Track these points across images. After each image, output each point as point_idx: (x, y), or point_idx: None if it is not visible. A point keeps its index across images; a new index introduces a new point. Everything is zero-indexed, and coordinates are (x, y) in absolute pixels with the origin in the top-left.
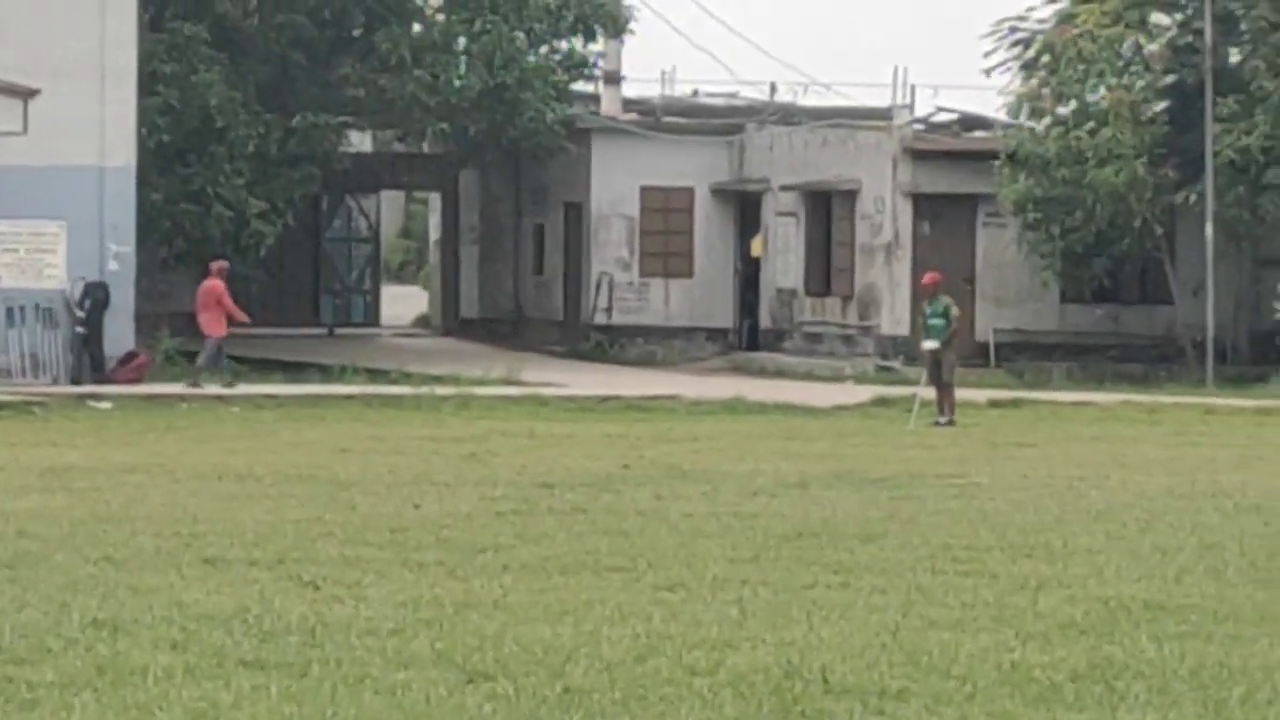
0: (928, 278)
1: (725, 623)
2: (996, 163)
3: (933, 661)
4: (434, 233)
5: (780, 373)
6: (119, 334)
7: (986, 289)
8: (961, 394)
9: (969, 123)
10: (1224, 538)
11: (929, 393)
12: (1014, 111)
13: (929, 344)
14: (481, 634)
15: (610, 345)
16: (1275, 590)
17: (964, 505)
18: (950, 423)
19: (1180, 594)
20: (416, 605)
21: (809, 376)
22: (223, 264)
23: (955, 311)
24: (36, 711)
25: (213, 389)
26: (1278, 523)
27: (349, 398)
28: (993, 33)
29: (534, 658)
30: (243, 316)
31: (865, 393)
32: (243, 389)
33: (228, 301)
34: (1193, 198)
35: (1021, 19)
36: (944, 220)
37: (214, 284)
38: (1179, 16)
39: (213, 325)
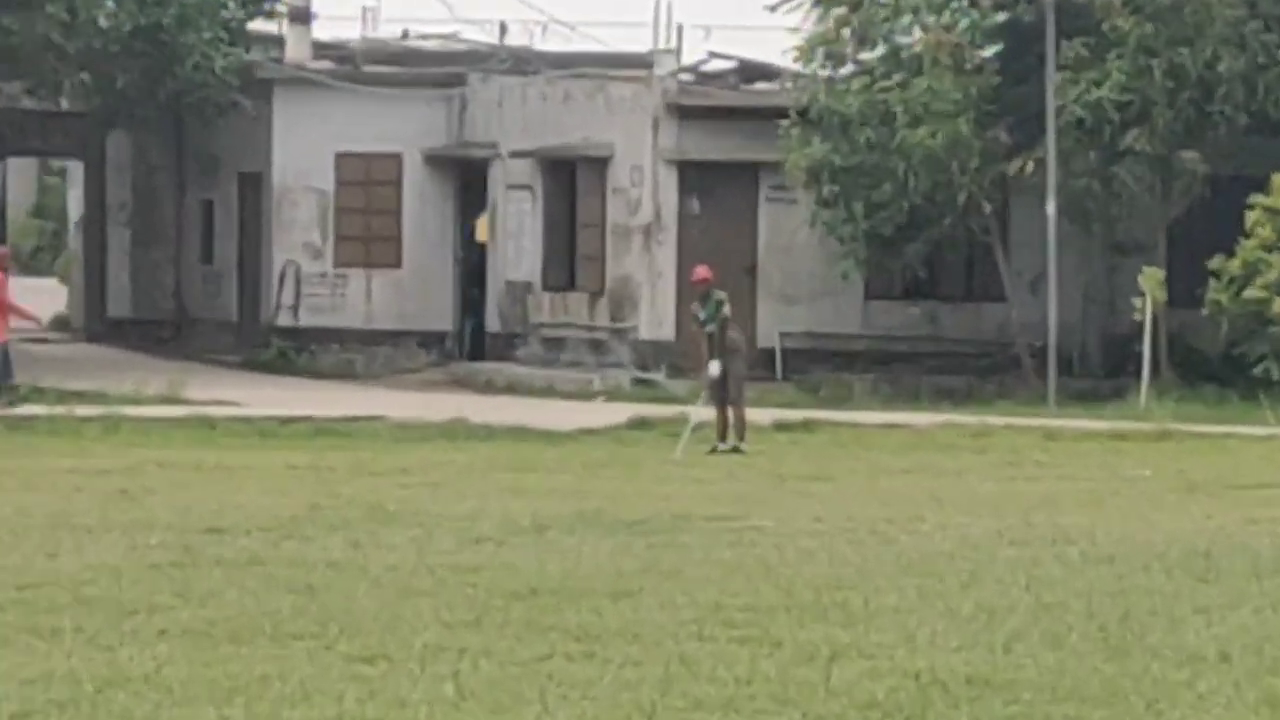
0: (698, 273)
1: (438, 703)
2: (784, 123)
3: None
4: (74, 211)
5: (512, 388)
6: None
7: (771, 282)
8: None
9: (749, 72)
10: (1067, 595)
11: (708, 413)
12: (805, 59)
13: (715, 368)
14: (129, 718)
15: (297, 353)
16: (1128, 662)
17: (741, 555)
18: (736, 449)
19: (1010, 666)
20: (48, 682)
21: (548, 392)
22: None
23: (726, 310)
24: None
25: None
26: (1133, 577)
27: None
28: None
29: None
30: (32, 314)
31: (619, 413)
32: None
33: (9, 296)
34: (1030, 166)
35: None
36: (718, 195)
37: None
38: None
39: None
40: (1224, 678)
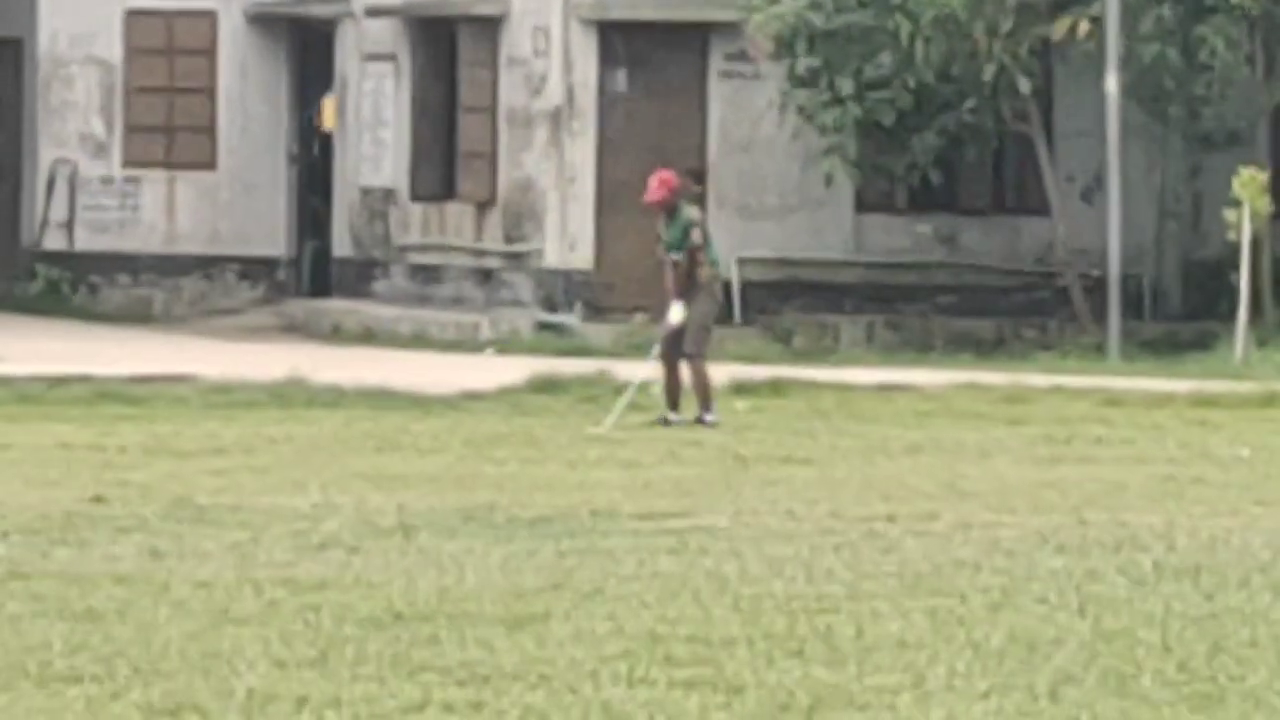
0: (655, 188)
1: None
2: None
3: None
4: None
5: (369, 335)
6: None
7: (726, 189)
8: None
9: None
10: (1136, 621)
11: (655, 371)
12: None
13: (677, 313)
14: None
15: (73, 288)
16: (1218, 712)
17: (686, 565)
18: (700, 421)
19: (1059, 718)
20: None
21: (418, 342)
22: None
23: (696, 237)
24: None
25: None
26: (1227, 596)
27: None
28: None
29: None
30: None
31: (517, 369)
32: None
33: None
34: (1084, 27)
35: None
36: (654, 68)
37: None
38: None
39: None
40: None
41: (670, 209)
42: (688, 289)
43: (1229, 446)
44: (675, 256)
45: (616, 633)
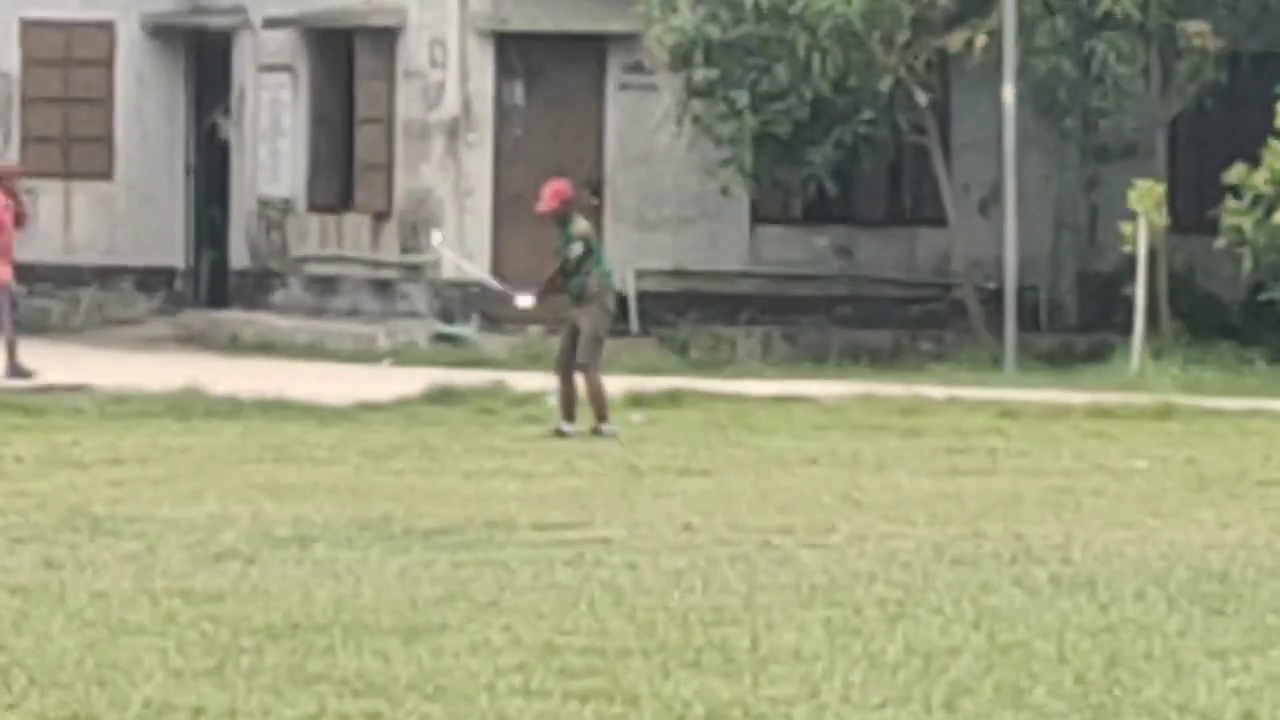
0: (551, 192)
1: None
2: None
3: None
4: None
5: (266, 345)
6: None
7: (623, 200)
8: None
9: None
10: (1032, 634)
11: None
12: None
13: (524, 300)
14: None
15: None
16: None
17: (583, 577)
18: (597, 433)
19: None
20: None
21: (315, 352)
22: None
23: (574, 251)
24: None
25: None
26: (1123, 607)
27: None
28: None
29: None
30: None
31: (414, 380)
32: None
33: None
34: (981, 40)
35: None
36: (550, 80)
37: None
38: None
39: None
40: None
41: (562, 219)
42: (549, 291)
43: (1125, 459)
44: (527, 300)
45: (513, 644)
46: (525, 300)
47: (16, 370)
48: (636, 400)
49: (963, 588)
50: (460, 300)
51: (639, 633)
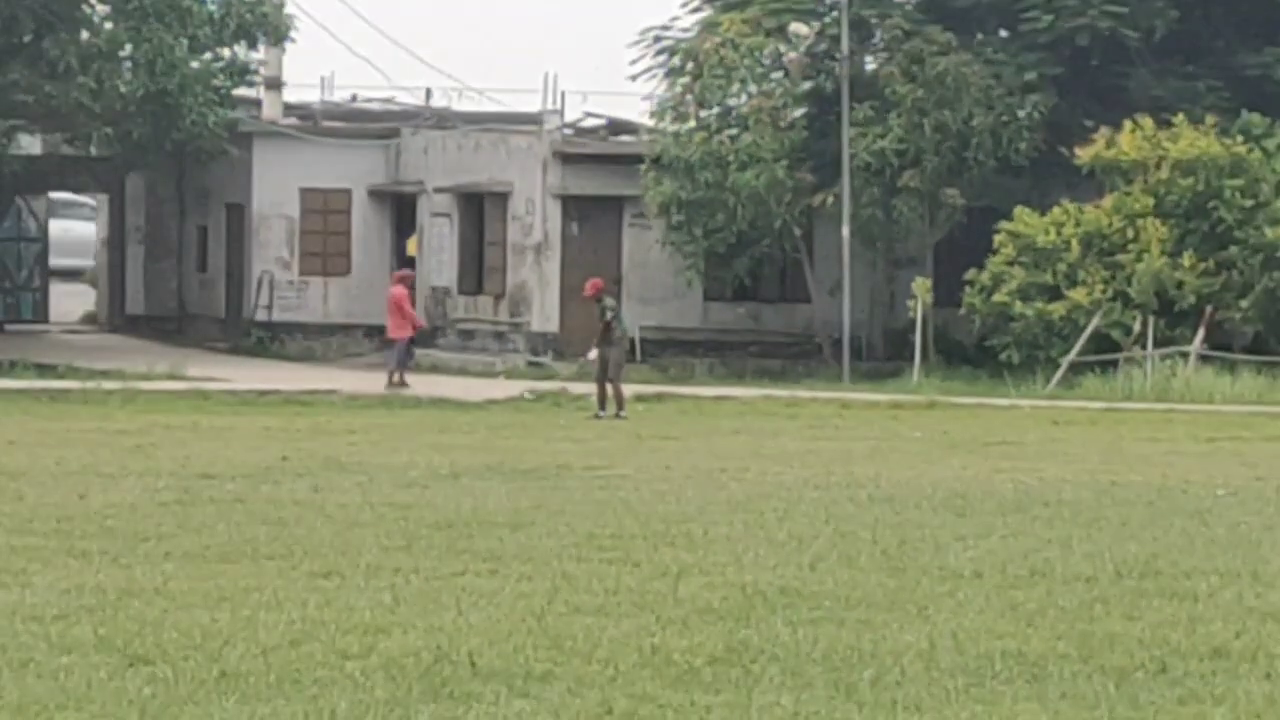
0: (591, 285)
1: (378, 608)
2: (642, 166)
3: (576, 646)
4: (101, 232)
5: (435, 368)
6: None
7: (633, 287)
8: None
9: (616, 127)
10: (857, 527)
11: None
12: (659, 116)
13: (592, 353)
14: (142, 620)
15: (270, 341)
16: (905, 577)
17: (609, 495)
18: (617, 417)
19: (815, 581)
20: (80, 592)
21: (462, 372)
22: (406, 273)
23: (607, 314)
24: None
25: None
26: (909, 512)
27: (18, 392)
28: (639, 41)
29: (193, 642)
30: (421, 322)
31: (516, 387)
32: None
33: (408, 307)
34: (830, 200)
35: (666, 28)
36: (592, 221)
37: (398, 291)
38: (816, 25)
39: (398, 329)
40: (977, 590)
41: (598, 299)
42: (603, 341)
43: (909, 431)
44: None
45: (570, 532)
46: (591, 354)
47: (399, 384)
48: (640, 398)
49: (819, 502)
50: (542, 343)
51: (640, 525)
